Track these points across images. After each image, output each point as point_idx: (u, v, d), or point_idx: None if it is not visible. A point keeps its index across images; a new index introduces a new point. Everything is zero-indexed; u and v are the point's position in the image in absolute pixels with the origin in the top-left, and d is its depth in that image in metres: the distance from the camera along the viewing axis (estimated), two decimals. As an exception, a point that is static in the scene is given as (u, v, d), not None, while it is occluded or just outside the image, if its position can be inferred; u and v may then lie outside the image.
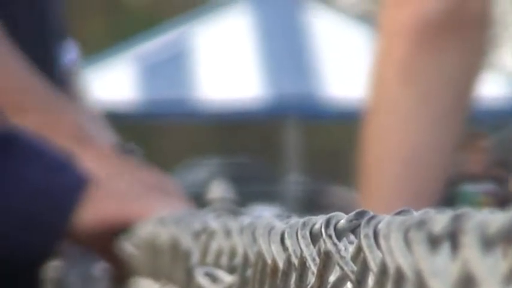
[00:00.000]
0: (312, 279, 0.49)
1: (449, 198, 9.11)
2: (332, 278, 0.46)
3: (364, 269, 0.41)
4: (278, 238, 0.55)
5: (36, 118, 1.54)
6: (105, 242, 1.41)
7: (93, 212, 1.42)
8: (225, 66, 12.39)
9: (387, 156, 1.60)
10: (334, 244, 0.47)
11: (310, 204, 14.49)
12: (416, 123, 1.59)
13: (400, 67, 1.57)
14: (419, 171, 1.58)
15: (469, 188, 9.88)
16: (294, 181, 13.98)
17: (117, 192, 1.48)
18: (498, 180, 10.02)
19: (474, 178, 10.03)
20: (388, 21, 1.61)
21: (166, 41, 13.24)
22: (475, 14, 1.57)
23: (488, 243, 0.28)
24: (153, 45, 13.34)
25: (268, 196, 14.70)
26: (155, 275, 1.08)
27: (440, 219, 0.32)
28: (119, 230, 1.36)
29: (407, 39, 1.56)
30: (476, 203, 9.13)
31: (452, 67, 1.59)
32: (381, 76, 1.61)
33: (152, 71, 12.75)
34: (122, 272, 1.40)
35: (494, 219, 0.28)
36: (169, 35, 13.42)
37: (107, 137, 1.87)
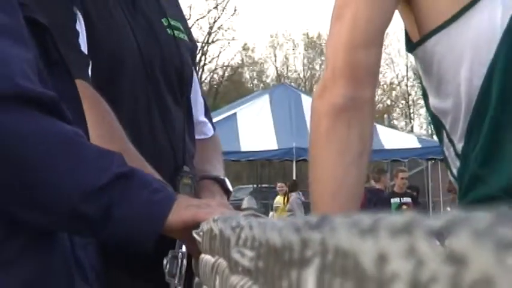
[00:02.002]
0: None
1: (385, 206, 12.56)
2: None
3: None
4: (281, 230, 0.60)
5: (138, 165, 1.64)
6: (185, 233, 1.55)
7: (177, 216, 1.57)
8: (257, 131, 15.30)
9: (322, 191, 1.68)
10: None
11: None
12: (337, 168, 1.65)
13: (325, 134, 1.63)
14: (343, 196, 1.65)
15: (395, 200, 13.34)
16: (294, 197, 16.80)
17: (192, 205, 1.61)
18: (412, 196, 13.68)
19: (398, 195, 13.54)
20: (315, 107, 1.68)
21: (224, 115, 15.60)
22: (367, 99, 1.66)
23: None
24: (216, 116, 14.69)
25: None
26: (212, 253, 1.15)
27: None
28: (193, 226, 1.49)
29: (327, 118, 1.63)
30: (398, 210, 12.27)
31: (356, 133, 1.66)
32: (314, 141, 1.68)
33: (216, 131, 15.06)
34: (194, 251, 1.53)
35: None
36: (226, 111, 16.10)
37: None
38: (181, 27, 2.13)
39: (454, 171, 1.66)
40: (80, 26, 1.85)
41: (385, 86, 39.19)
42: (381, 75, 38.95)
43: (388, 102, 39.31)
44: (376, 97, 37.20)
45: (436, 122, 1.64)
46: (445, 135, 1.63)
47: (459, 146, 1.61)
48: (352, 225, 0.42)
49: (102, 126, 1.77)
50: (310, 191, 1.69)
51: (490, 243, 0.28)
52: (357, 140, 1.66)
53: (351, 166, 1.66)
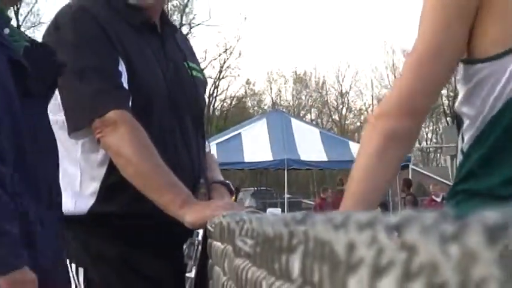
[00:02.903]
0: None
1: None
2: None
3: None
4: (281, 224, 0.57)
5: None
6: (203, 225, 1.62)
7: (199, 215, 1.67)
8: (257, 146, 14.90)
9: (353, 194, 1.51)
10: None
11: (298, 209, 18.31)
12: (377, 180, 1.49)
13: (376, 150, 1.46)
14: (368, 199, 1.49)
15: None
16: (285, 197, 17.17)
17: (208, 206, 1.73)
18: (383, 205, 13.40)
19: None
20: (375, 124, 1.48)
21: (232, 134, 15.51)
22: (417, 132, 1.52)
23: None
24: (225, 135, 15.79)
25: (275, 205, 18.67)
26: (221, 241, 1.14)
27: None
28: (208, 220, 1.50)
29: (383, 137, 1.46)
30: None
31: (400, 155, 1.52)
32: (364, 152, 1.49)
33: (223, 147, 14.22)
34: (207, 238, 1.52)
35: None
36: (233, 131, 15.95)
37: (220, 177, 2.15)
38: (197, 68, 2.14)
39: (458, 161, 1.59)
40: (122, 69, 1.86)
41: (355, 111, 39.39)
42: (352, 103, 39.59)
43: (358, 124, 39.43)
44: (349, 120, 38.36)
45: (458, 119, 1.56)
46: (461, 131, 1.56)
47: (466, 146, 1.52)
48: (328, 221, 0.42)
49: (140, 146, 1.78)
50: (349, 187, 1.55)
51: (434, 236, 0.28)
52: (398, 162, 1.56)
53: (386, 183, 1.57)
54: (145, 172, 1.77)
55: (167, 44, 2.03)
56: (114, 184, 1.86)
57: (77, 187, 1.91)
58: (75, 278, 1.90)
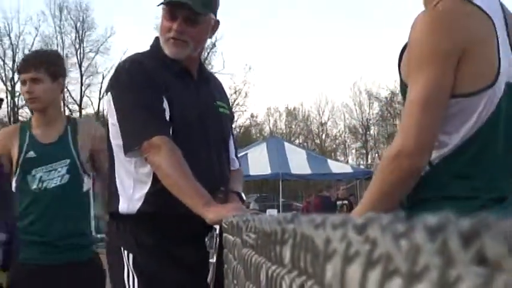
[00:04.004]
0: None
1: (331, 207, 12.27)
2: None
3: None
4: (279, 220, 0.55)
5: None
6: (219, 222, 1.58)
7: (217, 214, 1.64)
8: (259, 163, 14.75)
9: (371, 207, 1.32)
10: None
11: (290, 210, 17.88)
12: (386, 200, 1.35)
13: (397, 182, 1.33)
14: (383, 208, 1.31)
15: (339, 202, 12.93)
16: (280, 201, 16.78)
17: (224, 208, 1.71)
18: (348, 199, 13.14)
19: (341, 199, 13.17)
20: (396, 163, 1.31)
21: (240, 155, 14.66)
22: (416, 167, 1.34)
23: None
24: None
25: (272, 207, 17.80)
26: (232, 234, 1.10)
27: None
28: (223, 219, 1.47)
29: (405, 174, 1.32)
30: (341, 208, 12.63)
31: (410, 187, 1.36)
32: (386, 179, 1.33)
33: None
34: (223, 232, 1.48)
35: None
36: (241, 152, 13.63)
37: (238, 188, 2.10)
38: (225, 106, 2.12)
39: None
40: (165, 106, 1.88)
41: (331, 137, 39.31)
42: (329, 131, 39.51)
43: (334, 146, 39.31)
44: (327, 143, 38.48)
45: None
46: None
47: (435, 160, 1.40)
48: (311, 221, 0.42)
49: (176, 163, 1.79)
50: (370, 200, 1.38)
51: (389, 233, 0.28)
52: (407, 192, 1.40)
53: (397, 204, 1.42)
54: (179, 182, 1.77)
55: (200, 88, 2.03)
56: (156, 191, 1.86)
57: (130, 193, 1.91)
58: (127, 261, 1.88)
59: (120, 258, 1.89)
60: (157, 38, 1.98)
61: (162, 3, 1.91)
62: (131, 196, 1.91)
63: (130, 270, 1.87)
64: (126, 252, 1.89)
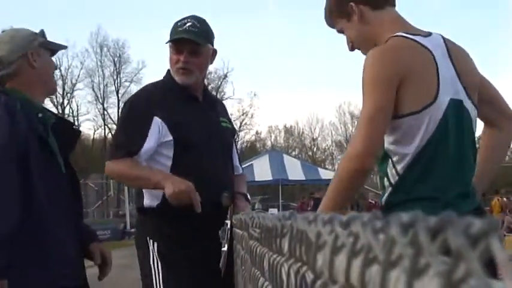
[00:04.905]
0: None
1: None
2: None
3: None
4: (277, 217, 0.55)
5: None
6: (176, 191, 1.62)
7: (174, 185, 1.67)
8: (262, 171, 14.65)
9: (332, 205, 1.32)
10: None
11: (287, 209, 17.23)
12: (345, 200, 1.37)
13: (349, 179, 1.32)
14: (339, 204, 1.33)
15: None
16: (280, 202, 16.74)
17: (183, 182, 1.70)
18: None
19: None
20: (350, 165, 1.32)
21: (247, 164, 14.42)
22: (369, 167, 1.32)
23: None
24: (243, 165, 14.81)
25: (273, 207, 17.35)
26: (240, 229, 1.11)
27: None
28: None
29: (357, 173, 1.32)
30: None
31: (363, 183, 1.38)
32: (341, 177, 1.34)
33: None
34: (233, 227, 1.47)
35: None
36: (248, 163, 15.01)
37: (243, 190, 2.03)
38: (226, 121, 2.08)
39: (391, 179, 1.42)
40: (157, 127, 1.84)
41: (321, 150, 39.22)
42: (320, 145, 39.45)
43: (323, 157, 39.22)
44: (318, 155, 38.37)
45: (384, 154, 1.42)
46: (389, 162, 1.42)
47: (400, 171, 1.39)
48: (305, 218, 0.42)
49: (129, 166, 1.78)
50: (330, 195, 1.37)
51: (369, 228, 0.27)
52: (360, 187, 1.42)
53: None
54: (133, 173, 1.79)
55: (205, 108, 2.00)
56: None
57: (152, 190, 1.87)
58: (152, 249, 1.85)
59: (146, 246, 1.86)
60: (168, 70, 1.98)
61: (170, 41, 1.90)
62: (153, 193, 1.87)
63: (155, 255, 1.85)
64: (151, 241, 1.86)
